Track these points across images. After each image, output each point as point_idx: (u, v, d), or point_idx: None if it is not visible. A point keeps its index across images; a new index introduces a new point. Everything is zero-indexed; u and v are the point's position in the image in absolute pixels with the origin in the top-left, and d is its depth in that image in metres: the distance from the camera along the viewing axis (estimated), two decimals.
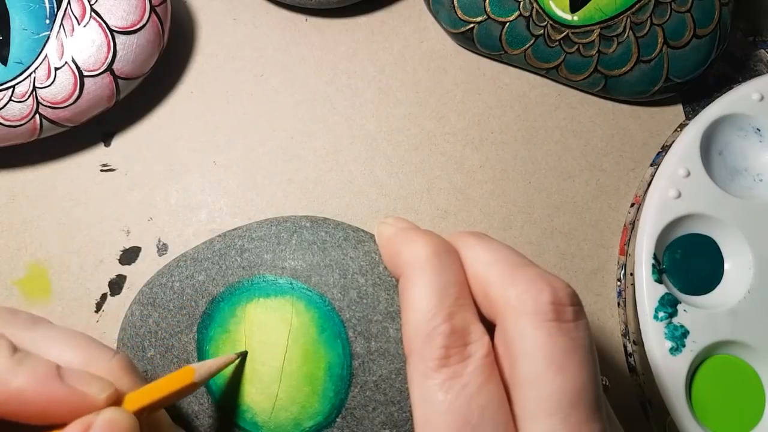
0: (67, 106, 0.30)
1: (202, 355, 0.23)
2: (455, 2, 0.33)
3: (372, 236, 0.25)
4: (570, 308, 0.19)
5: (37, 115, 0.30)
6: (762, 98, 0.32)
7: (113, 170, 0.34)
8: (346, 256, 0.24)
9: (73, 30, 0.30)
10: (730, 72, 0.36)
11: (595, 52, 0.33)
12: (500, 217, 0.33)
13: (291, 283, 0.23)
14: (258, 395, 0.23)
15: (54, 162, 0.34)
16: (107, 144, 0.34)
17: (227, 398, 0.23)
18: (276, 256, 0.24)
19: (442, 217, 0.33)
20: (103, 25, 0.30)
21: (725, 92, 0.33)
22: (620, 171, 0.34)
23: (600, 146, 0.35)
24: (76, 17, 0.30)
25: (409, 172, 0.34)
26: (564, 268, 0.33)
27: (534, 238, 0.33)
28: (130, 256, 0.32)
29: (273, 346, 0.23)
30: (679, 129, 0.34)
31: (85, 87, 0.30)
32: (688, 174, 0.31)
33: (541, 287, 0.19)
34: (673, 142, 0.32)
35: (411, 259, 0.20)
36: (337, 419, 0.22)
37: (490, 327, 0.20)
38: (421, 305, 0.19)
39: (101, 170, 0.34)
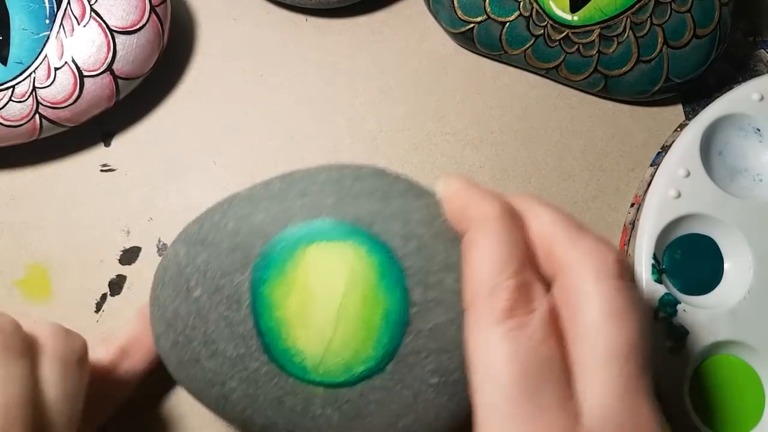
0: (66, 106, 0.30)
1: (255, 296, 0.23)
2: (455, 2, 0.33)
3: (429, 191, 0.24)
4: (628, 271, 0.20)
5: (37, 115, 0.30)
6: (762, 98, 0.32)
7: (113, 170, 0.34)
8: (407, 206, 0.23)
9: (72, 30, 0.30)
10: (730, 72, 0.36)
11: (595, 52, 0.33)
12: None
13: (354, 229, 0.23)
14: (310, 338, 0.22)
15: (54, 162, 0.34)
16: (107, 144, 0.34)
17: (276, 341, 0.23)
18: (339, 201, 0.23)
19: None
20: (103, 25, 0.30)
21: (725, 92, 0.33)
22: (620, 171, 0.34)
23: (600, 146, 0.35)
24: (75, 17, 0.30)
25: (409, 172, 0.34)
26: None
27: None
28: (130, 256, 0.32)
29: (332, 289, 0.22)
30: (679, 129, 0.34)
31: (85, 87, 0.30)
32: (688, 174, 0.31)
33: (607, 249, 0.20)
34: (673, 142, 0.32)
35: (481, 215, 0.21)
36: (389, 365, 0.22)
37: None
38: (491, 258, 0.20)
39: (101, 170, 0.34)
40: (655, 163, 0.33)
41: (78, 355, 0.22)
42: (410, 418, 0.23)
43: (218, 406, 0.24)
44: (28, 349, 0.21)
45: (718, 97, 0.33)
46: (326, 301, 0.22)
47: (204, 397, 0.24)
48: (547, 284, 0.20)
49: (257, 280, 0.23)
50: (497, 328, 0.18)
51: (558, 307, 0.20)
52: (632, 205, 0.33)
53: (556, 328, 0.19)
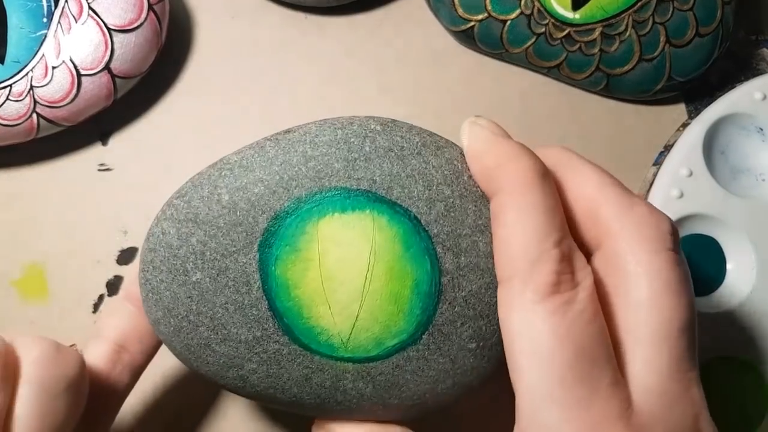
0: (64, 105, 0.30)
1: (266, 277, 0.21)
2: (456, 0, 0.33)
3: (450, 142, 0.23)
4: (679, 244, 0.18)
5: (34, 114, 0.30)
6: (765, 97, 0.31)
7: (110, 170, 0.33)
8: (428, 165, 0.21)
9: (70, 28, 0.30)
10: (732, 70, 0.36)
11: (596, 51, 0.32)
12: None
13: (370, 196, 0.21)
14: (335, 317, 0.21)
15: (51, 161, 0.33)
16: (105, 143, 0.34)
17: (297, 321, 0.21)
18: (348, 164, 0.21)
19: None
20: (101, 23, 0.30)
21: (727, 91, 0.32)
22: (622, 170, 0.34)
23: (602, 145, 0.35)
24: (73, 15, 0.30)
25: None
26: None
27: None
28: (127, 256, 0.32)
29: (352, 264, 0.21)
30: (681, 128, 0.33)
31: (83, 86, 0.30)
32: (691, 174, 0.30)
33: (661, 218, 0.18)
34: (675, 141, 0.32)
35: (515, 176, 0.18)
36: (423, 336, 0.21)
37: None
38: (529, 226, 0.18)
39: (99, 170, 0.33)
40: (658, 163, 0.33)
41: (69, 381, 0.19)
42: (449, 383, 0.22)
43: (237, 388, 0.22)
44: (7, 377, 0.18)
45: (721, 96, 0.32)
46: (349, 277, 0.21)
47: (220, 379, 0.22)
48: (586, 251, 0.19)
49: (266, 259, 0.21)
50: (542, 305, 0.17)
51: (600, 277, 0.18)
52: None
53: (600, 300, 0.18)
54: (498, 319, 0.20)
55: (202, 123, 0.34)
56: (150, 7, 0.31)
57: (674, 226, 0.18)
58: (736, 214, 0.30)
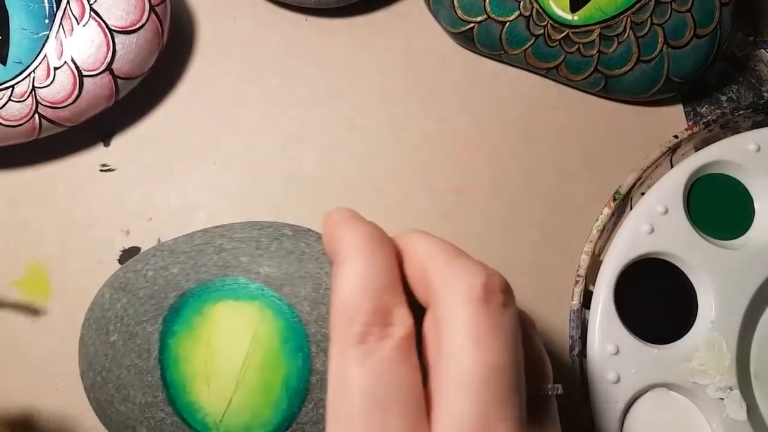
0: (66, 106, 0.30)
1: (163, 348, 0.23)
2: (455, 2, 0.33)
3: None
4: (501, 295, 0.19)
5: (37, 115, 0.30)
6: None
7: (113, 170, 0.34)
8: (321, 271, 0.24)
9: (72, 29, 0.30)
10: (730, 72, 0.36)
11: (595, 52, 0.32)
12: (500, 217, 0.33)
13: (262, 290, 0.23)
14: (212, 396, 0.23)
15: (53, 162, 0.34)
16: (107, 144, 0.34)
17: (180, 394, 0.23)
18: (252, 260, 0.24)
19: (441, 217, 0.33)
20: (103, 24, 0.30)
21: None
22: (620, 171, 0.34)
23: (600, 146, 0.35)
24: (75, 17, 0.30)
25: (409, 173, 0.34)
26: (564, 269, 0.33)
27: (534, 238, 0.33)
28: (129, 256, 0.32)
29: (234, 349, 0.23)
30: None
31: (85, 87, 0.30)
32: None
33: (476, 271, 0.19)
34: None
35: (346, 244, 0.20)
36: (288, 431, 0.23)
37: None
38: (349, 286, 0.19)
39: (101, 170, 0.34)
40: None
41: None
42: None
43: None
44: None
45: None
46: (229, 361, 0.22)
47: None
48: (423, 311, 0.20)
49: (166, 331, 0.23)
50: (348, 355, 0.18)
51: (428, 335, 0.19)
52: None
53: (425, 354, 0.19)
54: None
55: (204, 124, 0.34)
56: (151, 8, 0.31)
57: (490, 278, 0.19)
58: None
